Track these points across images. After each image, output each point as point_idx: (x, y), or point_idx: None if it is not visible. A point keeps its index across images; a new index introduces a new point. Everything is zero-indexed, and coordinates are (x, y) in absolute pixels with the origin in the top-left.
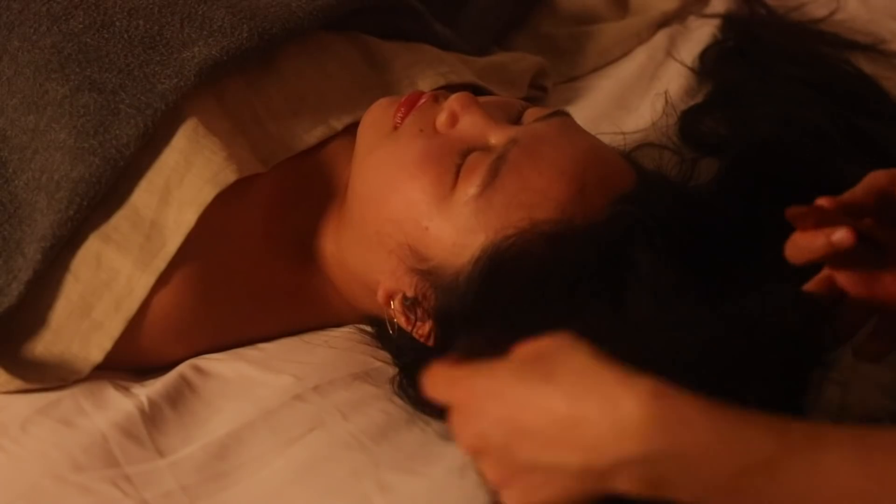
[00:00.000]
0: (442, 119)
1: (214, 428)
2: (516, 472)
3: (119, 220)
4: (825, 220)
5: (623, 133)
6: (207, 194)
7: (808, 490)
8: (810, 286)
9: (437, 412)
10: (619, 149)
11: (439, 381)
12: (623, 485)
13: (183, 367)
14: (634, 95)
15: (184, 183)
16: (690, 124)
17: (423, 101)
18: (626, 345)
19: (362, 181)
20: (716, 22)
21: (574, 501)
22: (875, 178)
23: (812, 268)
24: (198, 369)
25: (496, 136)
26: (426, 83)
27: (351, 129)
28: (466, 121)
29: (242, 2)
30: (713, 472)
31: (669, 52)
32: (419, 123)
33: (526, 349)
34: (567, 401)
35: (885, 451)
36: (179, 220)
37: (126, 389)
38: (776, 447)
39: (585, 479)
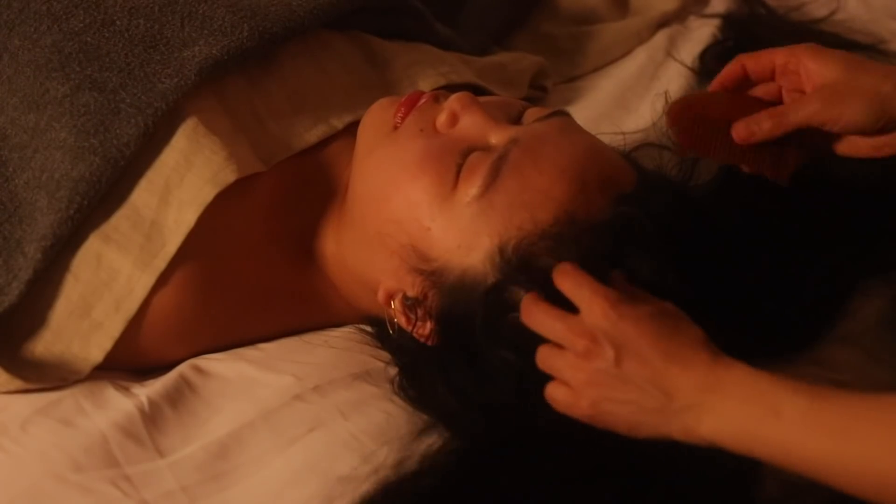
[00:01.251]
0: (442, 119)
1: (214, 428)
2: (605, 378)
3: (119, 220)
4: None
5: (623, 133)
6: (207, 194)
7: (802, 438)
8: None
9: (437, 412)
10: (619, 149)
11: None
12: (677, 430)
13: (183, 367)
14: (634, 95)
15: (184, 182)
16: None
17: (423, 100)
18: None
19: (363, 181)
20: (716, 22)
21: (629, 431)
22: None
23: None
24: (198, 369)
25: (497, 136)
26: (427, 83)
27: (352, 129)
28: (467, 120)
29: (243, 1)
30: (745, 419)
31: (669, 52)
32: (419, 123)
33: (663, 307)
34: (677, 355)
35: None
36: (179, 220)
37: (126, 389)
38: (783, 396)
39: (656, 415)
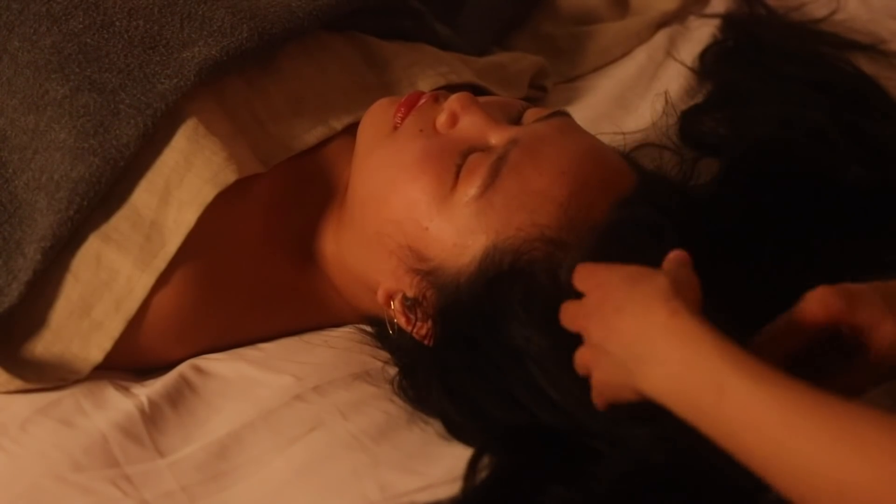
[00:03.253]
0: (442, 119)
1: (214, 428)
2: (594, 355)
3: (119, 220)
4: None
5: (623, 133)
6: (207, 194)
7: (742, 423)
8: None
9: (436, 412)
10: (619, 149)
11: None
12: (632, 387)
13: (183, 367)
14: (634, 95)
15: (184, 183)
16: (690, 124)
17: (423, 101)
18: None
19: (362, 182)
20: (716, 22)
21: (613, 391)
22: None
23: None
24: (198, 369)
25: (496, 137)
26: (426, 83)
27: (351, 130)
28: (466, 121)
29: (242, 2)
30: (686, 385)
31: (669, 52)
32: (419, 123)
33: (631, 268)
34: (627, 306)
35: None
36: (179, 220)
37: (126, 389)
38: (730, 374)
39: (621, 373)
